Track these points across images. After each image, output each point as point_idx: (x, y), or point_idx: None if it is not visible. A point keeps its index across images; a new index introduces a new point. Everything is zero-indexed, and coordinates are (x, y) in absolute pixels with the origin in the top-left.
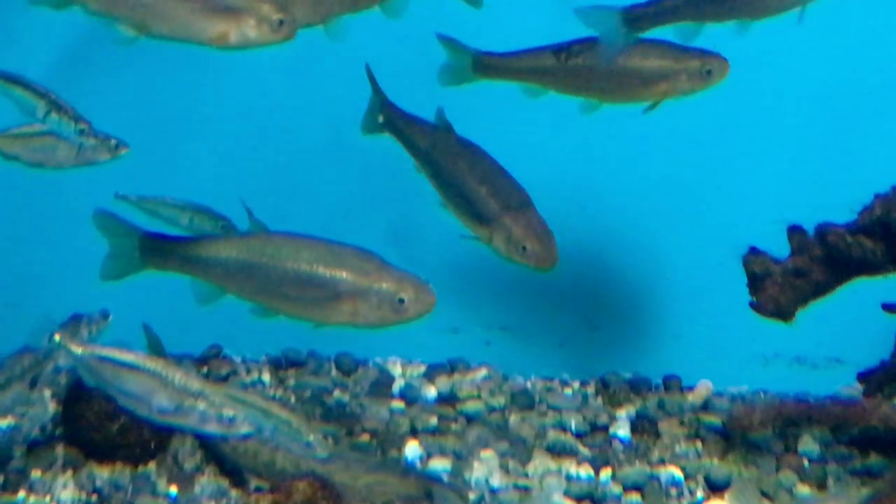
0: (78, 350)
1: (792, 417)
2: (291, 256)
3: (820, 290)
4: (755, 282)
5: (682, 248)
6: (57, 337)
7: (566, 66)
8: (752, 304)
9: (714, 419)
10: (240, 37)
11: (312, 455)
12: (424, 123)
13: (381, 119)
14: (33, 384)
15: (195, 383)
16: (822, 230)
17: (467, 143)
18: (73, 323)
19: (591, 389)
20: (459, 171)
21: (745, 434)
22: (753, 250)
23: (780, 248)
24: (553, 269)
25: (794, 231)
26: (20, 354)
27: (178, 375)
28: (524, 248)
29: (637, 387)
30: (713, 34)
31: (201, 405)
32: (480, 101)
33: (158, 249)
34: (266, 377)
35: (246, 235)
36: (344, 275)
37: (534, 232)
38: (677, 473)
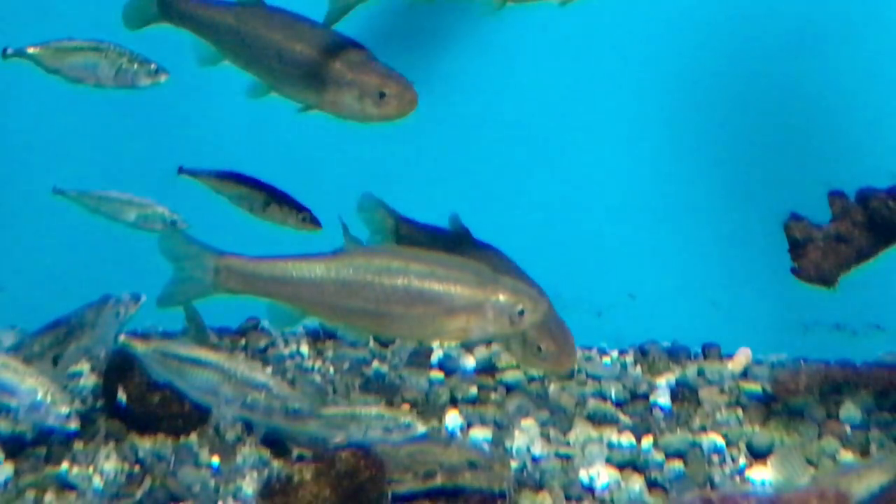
0: (140, 348)
1: (837, 382)
2: (402, 272)
3: (862, 255)
4: (797, 247)
5: (720, 215)
6: (122, 337)
7: None
8: (793, 270)
9: (754, 386)
10: None
11: (415, 433)
12: (437, 230)
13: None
14: (55, 362)
15: (259, 376)
16: (864, 195)
17: (483, 244)
18: (101, 304)
19: (629, 358)
20: None
21: (788, 399)
22: (794, 216)
23: (821, 213)
24: (570, 373)
25: (836, 196)
26: (42, 333)
27: (241, 368)
28: (539, 349)
29: (676, 355)
30: None
31: (266, 398)
32: None
33: (237, 271)
34: (304, 349)
35: (341, 253)
36: (461, 288)
37: (548, 330)
38: (719, 441)
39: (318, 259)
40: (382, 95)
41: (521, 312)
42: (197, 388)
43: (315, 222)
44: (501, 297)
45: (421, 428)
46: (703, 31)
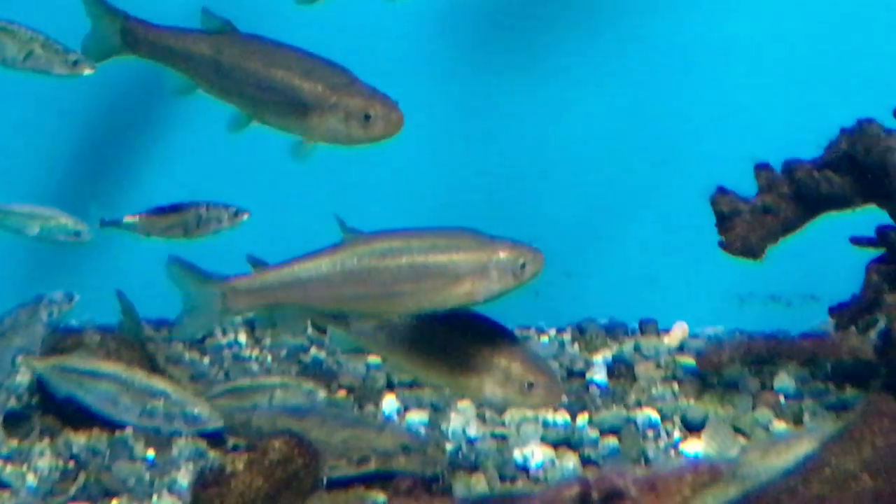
0: (39, 366)
1: (762, 354)
2: (406, 251)
3: (789, 226)
4: (724, 221)
5: (653, 191)
6: (19, 359)
7: None
8: (720, 244)
9: (690, 360)
10: None
11: (316, 399)
12: None
13: None
14: None
15: (158, 384)
16: (790, 166)
17: None
18: (34, 304)
19: (567, 336)
20: None
21: (717, 372)
22: (721, 189)
23: (749, 186)
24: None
25: (762, 168)
26: None
27: (139, 378)
28: (530, 385)
29: (613, 332)
30: None
31: (165, 406)
32: None
33: (245, 290)
34: (242, 338)
35: (342, 244)
36: (464, 254)
37: (535, 365)
38: (654, 415)
39: (322, 255)
40: (368, 117)
41: (524, 266)
42: (97, 399)
43: (243, 210)
44: (502, 255)
45: (322, 394)
46: None
